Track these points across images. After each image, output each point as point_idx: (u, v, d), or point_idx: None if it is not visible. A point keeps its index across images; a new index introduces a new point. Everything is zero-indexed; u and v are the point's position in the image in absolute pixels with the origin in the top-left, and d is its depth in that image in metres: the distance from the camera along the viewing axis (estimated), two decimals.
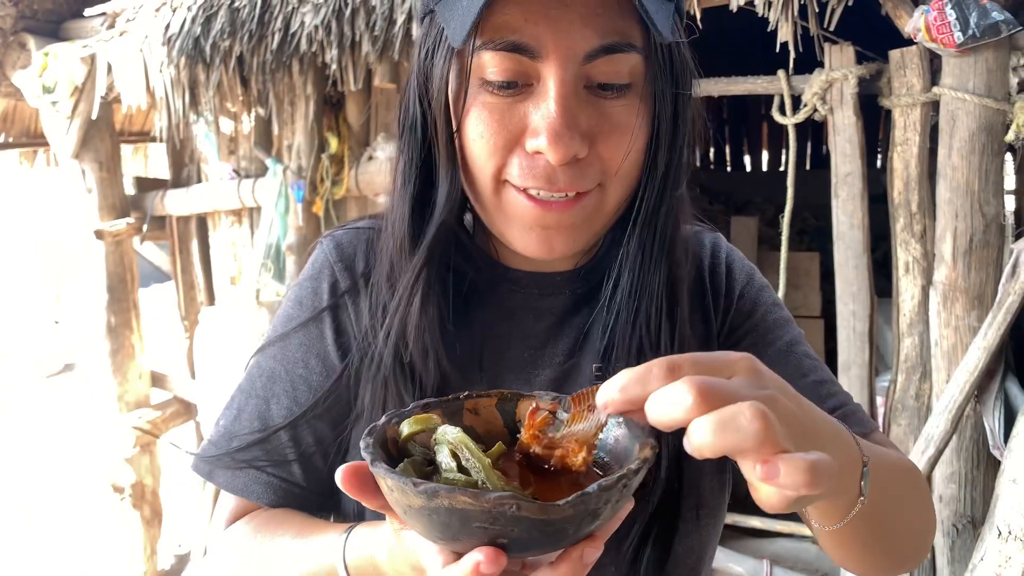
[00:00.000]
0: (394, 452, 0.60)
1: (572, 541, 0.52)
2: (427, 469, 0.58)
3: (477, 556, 0.51)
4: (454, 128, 0.79)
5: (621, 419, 0.60)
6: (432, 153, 0.84)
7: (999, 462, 1.97)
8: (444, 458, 0.57)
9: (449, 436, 0.58)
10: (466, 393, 0.66)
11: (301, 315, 0.93)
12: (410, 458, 0.59)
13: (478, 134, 0.76)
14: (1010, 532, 1.80)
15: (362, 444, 0.57)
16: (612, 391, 0.52)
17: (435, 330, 0.83)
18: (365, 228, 0.96)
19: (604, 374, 0.82)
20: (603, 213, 0.80)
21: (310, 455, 0.90)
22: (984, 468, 2.19)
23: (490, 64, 0.73)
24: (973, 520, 2.19)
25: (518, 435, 0.63)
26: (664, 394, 0.49)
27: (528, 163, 0.75)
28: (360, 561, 0.72)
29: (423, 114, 0.83)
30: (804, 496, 0.49)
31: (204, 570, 0.93)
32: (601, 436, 0.60)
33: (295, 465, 0.90)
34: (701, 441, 0.47)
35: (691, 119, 0.84)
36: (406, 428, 0.61)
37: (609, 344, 0.85)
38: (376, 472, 0.53)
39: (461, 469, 0.55)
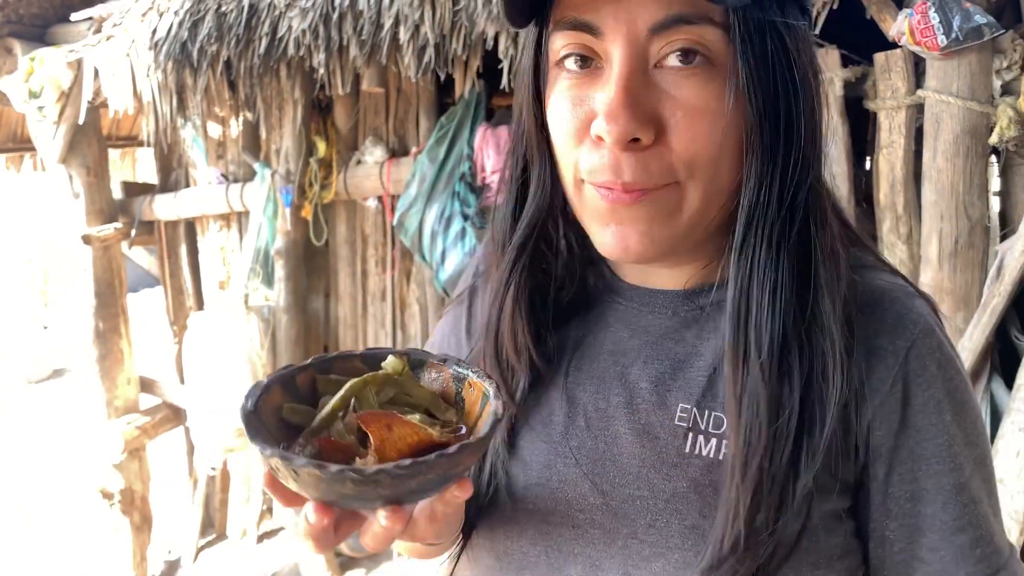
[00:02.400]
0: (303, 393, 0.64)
1: (383, 499, 0.55)
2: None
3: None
4: (540, 122, 0.76)
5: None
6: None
7: None
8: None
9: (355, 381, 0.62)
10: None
11: (460, 290, 0.98)
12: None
13: (557, 123, 0.72)
14: None
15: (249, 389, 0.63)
16: None
17: (525, 329, 0.81)
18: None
19: (690, 422, 0.76)
20: (683, 215, 0.70)
21: None
22: None
23: (560, 45, 0.70)
24: None
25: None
26: None
27: (596, 153, 0.68)
28: None
29: (519, 116, 0.81)
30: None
31: None
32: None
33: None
34: None
35: (811, 106, 0.71)
36: (388, 362, 0.67)
37: (709, 386, 0.76)
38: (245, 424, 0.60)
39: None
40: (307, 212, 3.60)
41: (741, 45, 0.66)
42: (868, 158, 3.35)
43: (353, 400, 0.61)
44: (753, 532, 0.68)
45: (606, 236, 0.72)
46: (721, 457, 0.73)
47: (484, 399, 0.63)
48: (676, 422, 0.76)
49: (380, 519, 0.57)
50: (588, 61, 0.69)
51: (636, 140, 0.66)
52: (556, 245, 0.85)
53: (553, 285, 0.85)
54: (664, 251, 0.72)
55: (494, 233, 0.87)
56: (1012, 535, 1.78)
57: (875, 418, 0.73)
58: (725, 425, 0.73)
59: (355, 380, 0.61)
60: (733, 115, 0.67)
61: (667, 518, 0.73)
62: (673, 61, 0.66)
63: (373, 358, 0.66)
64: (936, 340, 0.75)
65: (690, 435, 0.75)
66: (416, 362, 0.67)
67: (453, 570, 0.86)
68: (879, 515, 0.75)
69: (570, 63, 0.70)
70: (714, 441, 0.74)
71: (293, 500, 0.60)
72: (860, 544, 0.77)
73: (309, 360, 0.64)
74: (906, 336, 0.74)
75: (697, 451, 0.74)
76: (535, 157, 0.79)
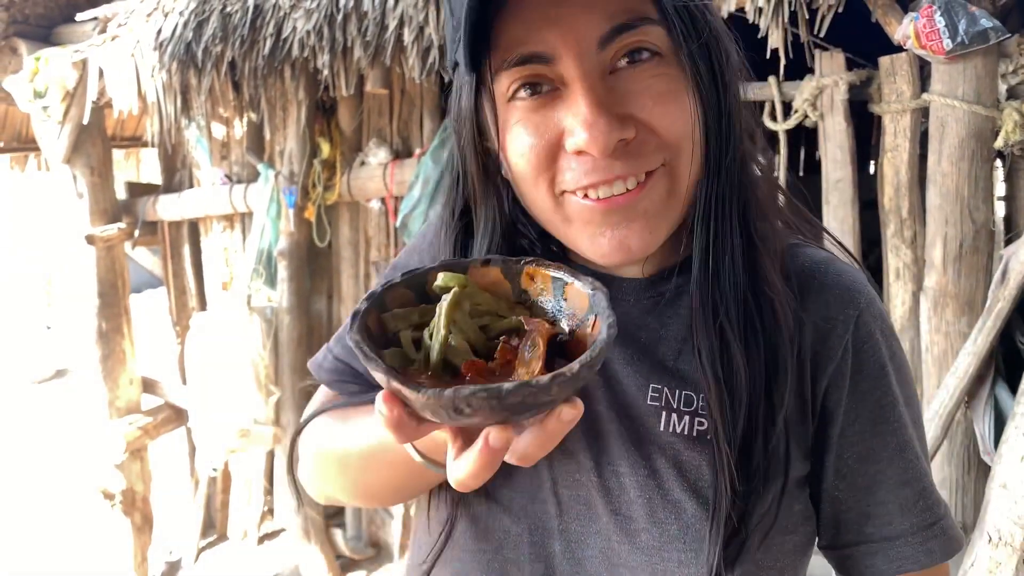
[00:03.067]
0: (430, 294, 0.63)
1: (547, 407, 0.54)
2: (430, 319, 0.60)
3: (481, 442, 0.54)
4: (483, 163, 0.79)
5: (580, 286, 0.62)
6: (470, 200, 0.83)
7: (990, 468, 1.98)
8: (430, 328, 0.59)
9: (444, 300, 0.60)
10: (530, 259, 0.66)
11: (410, 249, 0.99)
12: (431, 305, 0.62)
13: (520, 153, 0.73)
14: (1000, 538, 1.80)
15: (370, 292, 0.61)
16: None
17: None
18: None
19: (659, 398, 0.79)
20: (677, 196, 0.74)
21: None
22: (975, 474, 2.20)
23: (509, 81, 0.72)
24: (964, 526, 2.19)
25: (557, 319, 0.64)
26: None
27: (577, 164, 0.71)
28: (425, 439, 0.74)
29: (463, 159, 0.81)
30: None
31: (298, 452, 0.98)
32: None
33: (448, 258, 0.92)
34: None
35: (736, 89, 0.77)
36: (440, 280, 0.63)
37: (676, 368, 0.80)
38: (350, 340, 0.56)
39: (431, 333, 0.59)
40: (310, 213, 3.60)
41: (683, 32, 0.70)
42: (872, 162, 3.35)
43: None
44: (743, 495, 0.73)
45: (601, 243, 0.73)
46: (695, 434, 0.77)
47: (556, 291, 0.64)
48: (648, 402, 0.79)
49: (561, 414, 0.54)
50: (539, 87, 0.72)
51: (621, 141, 0.69)
52: None
53: None
54: (662, 239, 0.75)
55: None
56: (1016, 539, 1.77)
57: (829, 384, 0.79)
58: (696, 403, 0.78)
59: (446, 303, 0.60)
60: (690, 96, 0.72)
61: (649, 493, 0.76)
62: (625, 62, 0.70)
63: (415, 281, 0.64)
64: (878, 308, 0.82)
65: (663, 413, 0.78)
66: (456, 268, 0.66)
67: (439, 555, 0.87)
68: (831, 476, 0.80)
69: (523, 93, 0.72)
70: (687, 418, 0.78)
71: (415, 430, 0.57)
72: (813, 508, 0.83)
73: (365, 304, 0.61)
74: (854, 305, 0.81)
75: (671, 428, 0.78)
76: (480, 197, 0.81)
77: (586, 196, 0.72)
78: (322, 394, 1.01)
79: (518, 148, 0.73)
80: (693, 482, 0.75)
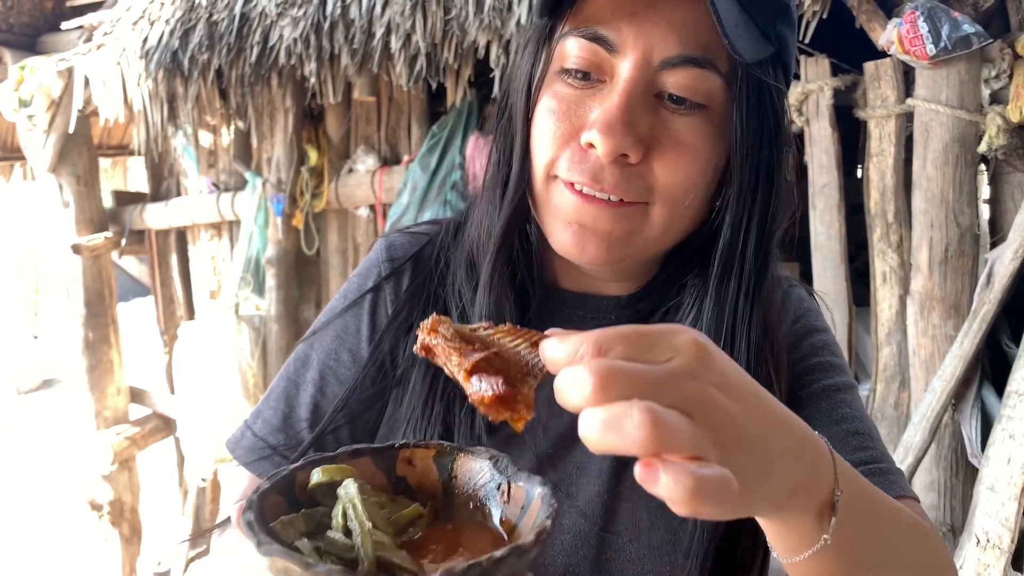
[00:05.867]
0: (303, 501, 0.56)
1: None
2: (325, 524, 0.54)
3: None
4: (529, 115, 0.79)
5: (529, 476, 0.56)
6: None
7: (977, 470, 1.99)
8: (336, 516, 0.53)
9: (347, 492, 0.54)
10: (402, 442, 0.61)
11: (343, 308, 0.94)
12: (312, 510, 0.55)
13: (544, 122, 0.75)
14: (988, 540, 1.81)
15: (254, 491, 0.53)
16: (543, 355, 0.48)
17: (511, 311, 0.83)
18: (421, 234, 0.95)
19: None
20: (644, 235, 0.76)
21: (326, 445, 0.88)
22: (963, 476, 2.21)
23: (571, 51, 0.73)
24: (953, 528, 2.20)
25: (452, 496, 0.59)
26: (568, 375, 0.44)
27: (579, 156, 0.73)
28: None
29: (510, 102, 0.83)
30: (701, 509, 0.43)
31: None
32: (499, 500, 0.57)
33: (311, 452, 0.88)
34: (586, 435, 0.43)
35: (782, 164, 0.77)
36: (316, 476, 0.56)
37: None
38: (241, 522, 0.49)
39: (347, 530, 0.52)
40: (298, 221, 3.59)
41: (739, 96, 0.72)
42: (860, 166, 3.36)
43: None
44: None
45: (566, 236, 0.75)
46: None
47: (442, 470, 0.59)
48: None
49: None
50: (589, 76, 0.73)
51: (624, 156, 0.70)
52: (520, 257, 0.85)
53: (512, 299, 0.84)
54: (615, 262, 0.77)
55: (478, 226, 0.86)
56: (1003, 541, 1.78)
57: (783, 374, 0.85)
58: None
59: (356, 496, 0.54)
60: (716, 159, 0.73)
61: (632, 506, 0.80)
62: (674, 93, 0.71)
63: (282, 484, 0.56)
64: (805, 303, 0.92)
65: None
66: (324, 462, 0.58)
67: None
68: None
69: (575, 76, 0.74)
70: None
71: None
72: None
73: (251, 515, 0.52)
74: (794, 311, 0.90)
75: None
76: (516, 151, 0.81)
77: (572, 187, 0.74)
78: (245, 479, 0.93)
79: (547, 116, 0.75)
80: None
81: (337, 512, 0.53)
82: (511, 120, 0.82)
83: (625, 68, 0.71)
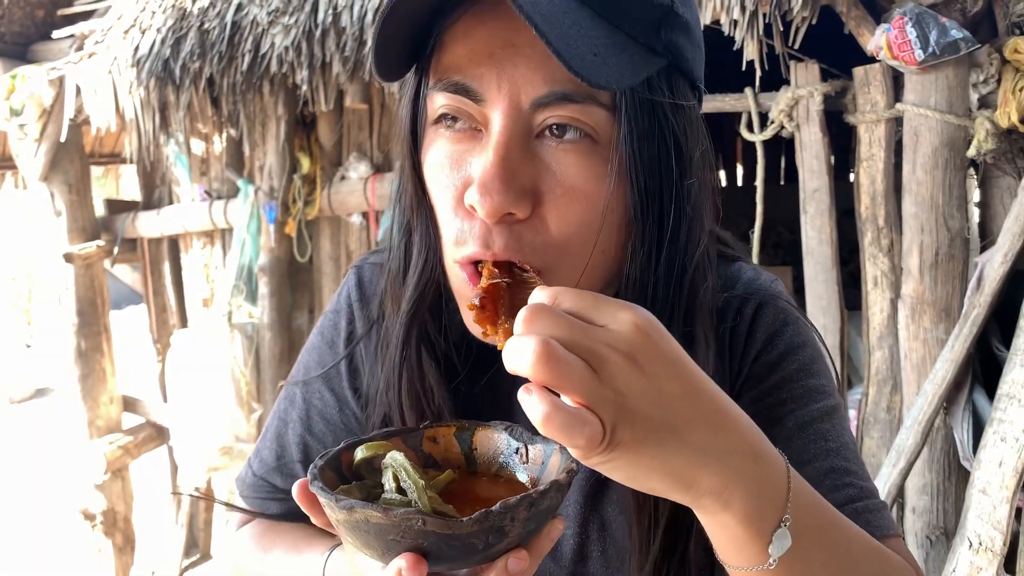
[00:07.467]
0: (349, 476, 0.64)
1: (488, 555, 0.55)
2: (375, 492, 0.62)
3: (400, 563, 0.53)
4: (419, 180, 0.74)
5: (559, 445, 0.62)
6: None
7: (969, 473, 1.99)
8: (387, 481, 0.61)
9: (396, 459, 0.61)
10: (426, 424, 0.69)
11: (321, 346, 0.95)
12: (361, 482, 0.63)
13: (437, 185, 0.70)
14: (980, 543, 1.81)
15: (311, 466, 0.61)
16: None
17: (442, 393, 0.80)
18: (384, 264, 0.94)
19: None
20: None
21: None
22: (955, 479, 2.22)
23: (439, 104, 0.68)
24: (946, 531, 2.21)
25: (475, 465, 0.68)
26: (521, 310, 0.49)
27: (467, 222, 0.67)
28: None
29: (400, 170, 0.79)
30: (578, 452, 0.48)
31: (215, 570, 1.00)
32: (541, 460, 0.65)
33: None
34: (503, 355, 0.48)
35: (697, 193, 0.72)
36: (360, 453, 0.64)
37: None
38: (313, 489, 0.58)
39: (400, 491, 0.59)
40: (291, 228, 3.59)
41: (626, 126, 0.65)
42: (852, 171, 3.37)
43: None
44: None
45: (469, 319, 0.69)
46: None
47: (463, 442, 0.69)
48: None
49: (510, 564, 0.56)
50: (458, 122, 0.68)
51: (510, 214, 0.65)
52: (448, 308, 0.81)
53: (451, 344, 0.82)
54: None
55: (382, 297, 0.86)
56: (996, 544, 1.78)
57: (738, 386, 0.82)
58: None
59: (403, 462, 0.62)
60: (616, 194, 0.67)
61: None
62: (552, 135, 0.65)
63: (332, 462, 0.65)
64: (780, 320, 0.84)
65: None
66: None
67: None
68: None
69: (445, 123, 0.69)
70: None
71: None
72: None
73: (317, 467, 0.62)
74: (765, 331, 0.83)
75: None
76: (416, 219, 0.77)
77: (463, 266, 0.68)
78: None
79: (436, 178, 0.70)
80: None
81: (387, 477, 0.61)
82: (402, 187, 0.78)
83: (496, 119, 0.64)
